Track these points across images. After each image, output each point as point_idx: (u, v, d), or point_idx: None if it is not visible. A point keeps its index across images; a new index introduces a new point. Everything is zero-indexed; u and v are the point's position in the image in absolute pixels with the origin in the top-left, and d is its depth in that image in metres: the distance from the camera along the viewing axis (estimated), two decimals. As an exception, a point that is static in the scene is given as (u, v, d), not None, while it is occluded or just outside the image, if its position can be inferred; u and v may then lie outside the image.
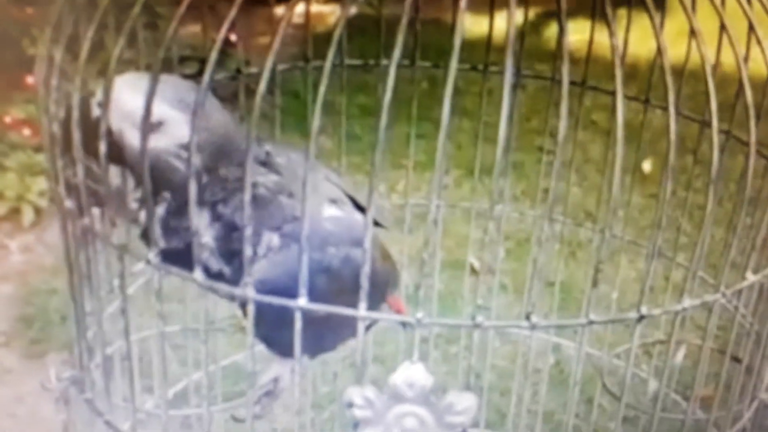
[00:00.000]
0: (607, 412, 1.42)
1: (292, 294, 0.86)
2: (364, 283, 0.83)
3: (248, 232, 0.85)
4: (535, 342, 1.28)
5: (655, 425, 0.95)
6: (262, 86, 0.79)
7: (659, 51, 0.87)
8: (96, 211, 0.98)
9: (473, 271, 1.71)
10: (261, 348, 1.35)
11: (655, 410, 0.96)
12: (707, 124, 1.09)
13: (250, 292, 0.88)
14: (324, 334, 1.08)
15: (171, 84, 1.02)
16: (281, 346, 1.16)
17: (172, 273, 0.90)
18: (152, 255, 0.90)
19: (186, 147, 0.99)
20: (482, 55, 1.37)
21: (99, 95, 0.96)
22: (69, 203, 0.96)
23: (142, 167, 0.86)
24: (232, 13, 0.80)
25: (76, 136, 0.89)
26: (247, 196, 0.83)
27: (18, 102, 2.57)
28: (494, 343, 1.81)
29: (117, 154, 1.00)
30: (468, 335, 0.86)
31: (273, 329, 0.93)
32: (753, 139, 0.88)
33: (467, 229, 1.52)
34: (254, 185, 1.04)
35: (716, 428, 1.04)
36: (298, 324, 0.87)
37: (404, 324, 1.45)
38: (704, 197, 0.87)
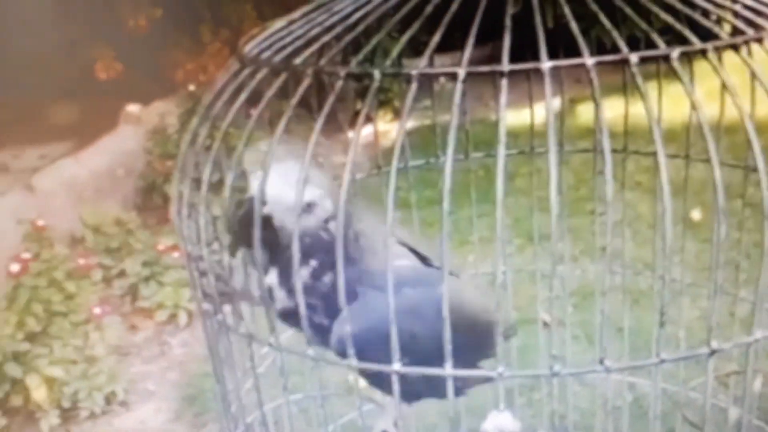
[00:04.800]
0: (691, 442, 1.29)
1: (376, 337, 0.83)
2: (447, 345, 0.79)
3: (345, 313, 0.85)
4: (611, 383, 1.18)
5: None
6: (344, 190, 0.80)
7: (693, 107, 0.80)
8: (228, 308, 1.00)
9: (545, 325, 1.62)
10: (370, 407, 1.30)
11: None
12: (750, 168, 1.00)
13: (353, 362, 0.87)
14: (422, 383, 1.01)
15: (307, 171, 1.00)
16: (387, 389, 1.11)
17: (290, 352, 0.92)
18: (273, 339, 0.91)
19: (327, 219, 1.03)
20: (527, 140, 1.34)
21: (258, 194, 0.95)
22: (206, 305, 1.00)
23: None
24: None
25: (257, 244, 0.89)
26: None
27: (166, 233, 2.89)
28: (574, 387, 1.70)
29: (271, 238, 1.00)
30: (548, 384, 0.79)
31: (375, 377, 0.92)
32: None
33: (535, 290, 1.45)
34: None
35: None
36: (396, 387, 0.84)
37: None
38: (758, 235, 0.78)
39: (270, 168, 0.89)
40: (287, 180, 0.89)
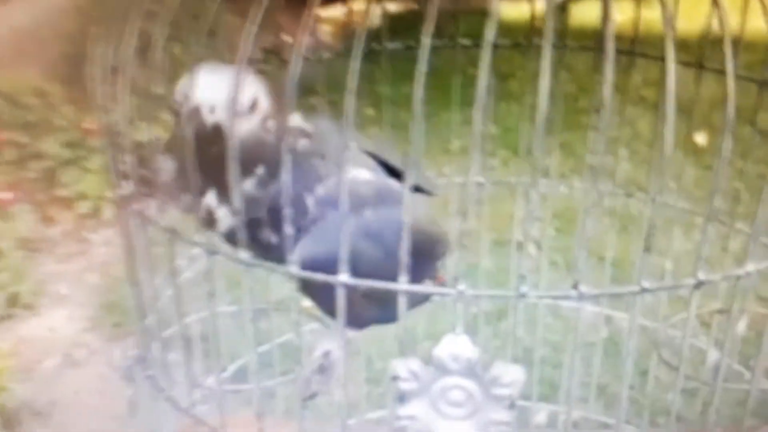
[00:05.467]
0: (664, 383, 1.33)
1: (335, 264, 0.82)
2: (404, 256, 0.78)
3: (287, 212, 0.83)
4: (585, 314, 1.20)
5: (718, 396, 0.86)
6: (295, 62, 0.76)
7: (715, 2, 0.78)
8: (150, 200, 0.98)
9: (519, 246, 1.62)
10: (313, 326, 1.31)
11: (716, 381, 0.88)
12: (767, 83, 0.99)
13: (293, 269, 0.85)
14: (371, 306, 1.02)
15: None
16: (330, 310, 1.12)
17: (220, 253, 0.89)
18: (199, 237, 0.89)
19: (266, 118, 0.99)
20: (525, 34, 1.29)
21: (205, 101, 0.95)
22: (122, 191, 0.96)
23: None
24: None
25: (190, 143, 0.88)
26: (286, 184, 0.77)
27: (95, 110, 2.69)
28: (546, 319, 1.72)
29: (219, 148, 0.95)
30: (515, 308, 0.79)
31: (321, 294, 0.92)
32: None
33: (513, 208, 1.44)
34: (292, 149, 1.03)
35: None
36: (341, 301, 0.83)
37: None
38: (763, 167, 0.78)
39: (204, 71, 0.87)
40: (226, 82, 0.85)
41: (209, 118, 0.95)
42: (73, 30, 3.10)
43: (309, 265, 0.86)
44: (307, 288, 0.90)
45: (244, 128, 0.96)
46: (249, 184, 1.00)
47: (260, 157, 0.99)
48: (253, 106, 0.98)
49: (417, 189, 1.24)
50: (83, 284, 2.42)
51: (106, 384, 2.17)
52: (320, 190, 1.04)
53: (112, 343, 2.28)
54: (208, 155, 0.91)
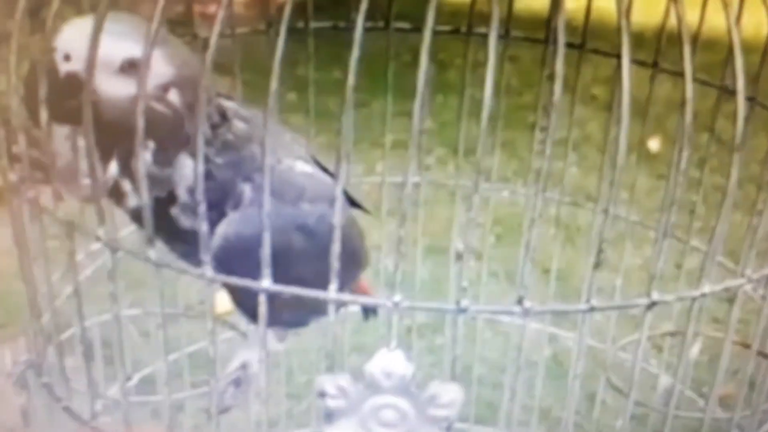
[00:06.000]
0: (612, 409, 1.35)
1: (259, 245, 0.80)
2: (334, 262, 0.78)
3: (202, 208, 0.81)
4: (529, 332, 1.22)
5: (669, 424, 0.88)
6: (214, 36, 0.75)
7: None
8: (45, 187, 0.94)
9: (459, 256, 1.63)
10: (229, 335, 1.30)
11: (668, 408, 0.90)
12: (727, 90, 1.01)
13: (208, 272, 0.82)
14: (300, 306, 1.02)
15: (132, 23, 0.93)
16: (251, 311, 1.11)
17: (124, 250, 0.86)
18: (102, 232, 0.85)
19: (165, 87, 0.95)
20: (467, 20, 1.29)
21: (62, 46, 0.91)
22: (13, 176, 0.93)
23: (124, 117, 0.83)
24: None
25: (42, 101, 0.84)
26: (200, 167, 0.77)
27: None
28: (484, 334, 1.74)
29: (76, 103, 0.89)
30: (453, 324, 0.80)
31: (242, 296, 0.91)
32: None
33: (452, 212, 1.45)
34: (224, 129, 1.02)
35: (739, 429, 0.97)
36: (262, 308, 0.82)
37: (368, 311, 1.39)
38: (721, 177, 0.80)
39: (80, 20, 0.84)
40: (108, 30, 0.80)
41: (62, 67, 0.91)
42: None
43: (233, 242, 0.87)
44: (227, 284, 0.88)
45: (115, 90, 0.92)
46: (146, 158, 0.96)
47: (148, 130, 0.89)
48: (129, 67, 0.93)
49: (352, 203, 1.25)
50: (-39, 278, 2.36)
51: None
52: (258, 178, 1.02)
53: (-2, 346, 2.23)
54: (63, 109, 0.88)
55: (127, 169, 0.97)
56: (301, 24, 1.24)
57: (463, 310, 0.77)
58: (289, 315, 0.98)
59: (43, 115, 0.83)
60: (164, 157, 0.98)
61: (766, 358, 0.98)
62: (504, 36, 1.26)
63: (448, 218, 1.44)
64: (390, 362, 0.80)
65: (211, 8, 0.94)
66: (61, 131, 0.95)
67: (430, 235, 1.59)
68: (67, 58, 0.91)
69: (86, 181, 0.98)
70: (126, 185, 0.99)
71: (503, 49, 1.27)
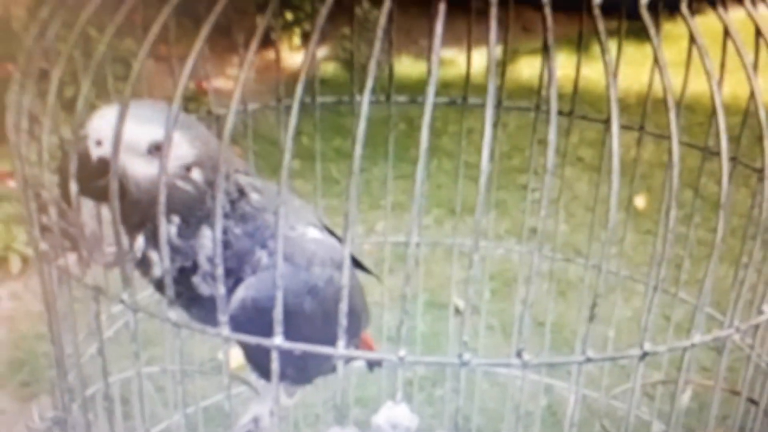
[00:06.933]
0: (607, 456, 1.37)
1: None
2: (342, 320, 0.80)
3: (220, 271, 0.83)
4: (526, 383, 1.23)
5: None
6: (231, 117, 0.77)
7: (658, 64, 0.83)
8: (72, 254, 0.98)
9: (457, 311, 1.66)
10: (241, 389, 1.32)
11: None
12: (710, 151, 1.05)
13: (224, 331, 0.85)
14: (305, 364, 1.06)
15: (155, 108, 0.99)
16: (262, 368, 1.13)
17: (145, 312, 0.88)
18: (126, 295, 0.88)
19: (189, 167, 1.00)
20: (461, 92, 1.35)
21: (93, 134, 0.96)
22: (44, 245, 0.96)
23: (151, 194, 0.87)
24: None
25: (73, 179, 0.87)
26: (218, 233, 0.80)
27: (2, 155, 2.67)
28: (482, 386, 1.76)
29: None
30: (454, 376, 0.82)
31: (255, 353, 0.93)
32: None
33: (450, 270, 1.48)
34: (242, 203, 1.06)
35: (730, 474, 0.99)
36: (275, 364, 0.84)
37: (373, 365, 1.42)
38: (705, 232, 0.83)
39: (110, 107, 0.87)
40: (135, 117, 0.86)
41: (94, 152, 0.96)
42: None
43: (249, 305, 0.90)
44: (242, 343, 0.90)
45: (142, 170, 0.98)
46: (171, 231, 1.02)
47: (173, 206, 0.99)
48: (155, 150, 0.97)
49: (357, 265, 1.29)
50: (-12, 341, 2.41)
51: (21, 448, 2.14)
52: (273, 244, 1.06)
53: (22, 404, 2.25)
54: (94, 188, 0.94)
55: (154, 242, 1.02)
56: (308, 99, 1.29)
57: (465, 364, 0.79)
58: (295, 372, 1.00)
59: (74, 192, 0.87)
60: (188, 230, 1.03)
61: (755, 404, 1.00)
62: (497, 105, 1.30)
63: (445, 275, 1.47)
64: (395, 414, 0.82)
65: (203, 84, 0.97)
66: (87, 203, 0.99)
67: (429, 291, 1.61)
68: (99, 143, 0.96)
69: (110, 249, 1.02)
70: (153, 256, 1.03)
71: (496, 116, 1.32)
